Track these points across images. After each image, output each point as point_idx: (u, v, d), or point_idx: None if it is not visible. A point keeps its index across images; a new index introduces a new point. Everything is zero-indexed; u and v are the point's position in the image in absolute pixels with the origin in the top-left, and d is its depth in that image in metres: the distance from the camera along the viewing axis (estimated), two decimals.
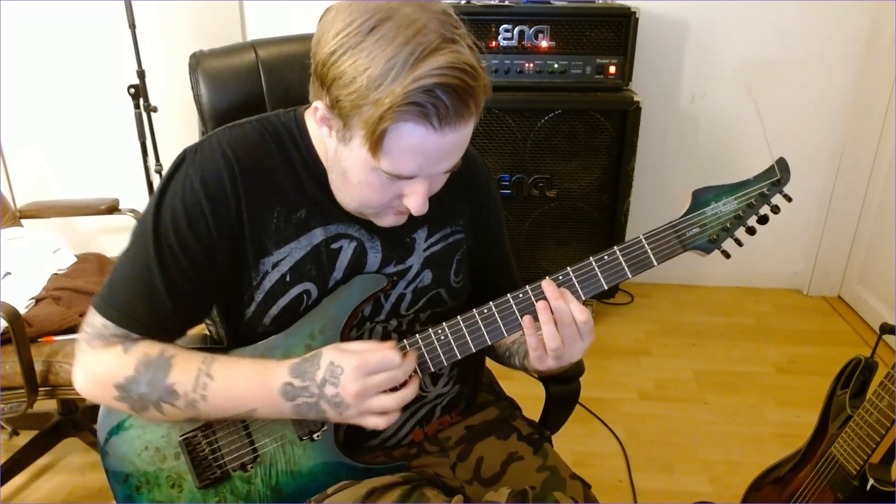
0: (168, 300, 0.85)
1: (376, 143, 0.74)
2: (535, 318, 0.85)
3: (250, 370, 0.86)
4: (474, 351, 0.88)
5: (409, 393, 0.84)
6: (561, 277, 0.86)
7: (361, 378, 0.81)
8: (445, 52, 0.71)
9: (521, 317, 0.86)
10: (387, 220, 0.89)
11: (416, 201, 0.82)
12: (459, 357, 0.89)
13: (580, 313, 0.83)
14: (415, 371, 0.87)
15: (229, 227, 0.86)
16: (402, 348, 0.88)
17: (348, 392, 0.81)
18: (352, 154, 0.79)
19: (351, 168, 0.81)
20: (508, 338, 0.90)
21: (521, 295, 0.86)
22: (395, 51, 0.70)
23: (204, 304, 0.92)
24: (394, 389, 0.84)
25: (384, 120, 0.72)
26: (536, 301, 0.85)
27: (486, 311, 0.87)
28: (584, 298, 0.86)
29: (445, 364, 0.89)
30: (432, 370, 0.90)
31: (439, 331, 0.88)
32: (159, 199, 0.85)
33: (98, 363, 0.87)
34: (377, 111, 0.72)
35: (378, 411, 0.83)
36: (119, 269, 0.87)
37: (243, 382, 0.85)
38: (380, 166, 0.77)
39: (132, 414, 0.88)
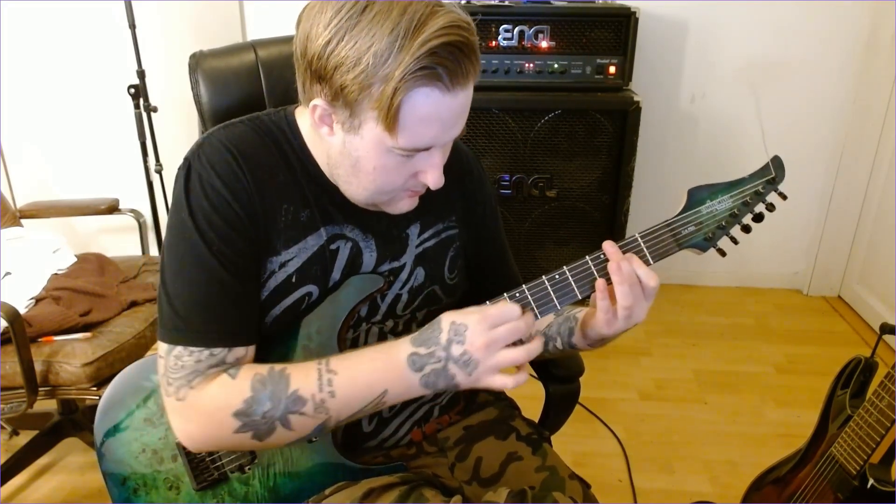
0: (248, 296, 0.84)
1: (393, 118, 0.75)
2: (606, 283, 0.84)
3: (372, 353, 0.83)
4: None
5: (536, 346, 0.81)
6: (557, 276, 0.86)
7: (486, 331, 0.79)
8: (440, 13, 0.72)
9: (579, 288, 0.85)
10: (401, 205, 0.89)
11: (434, 175, 0.83)
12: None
13: (649, 278, 0.83)
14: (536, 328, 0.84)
15: (254, 215, 0.85)
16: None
17: (475, 346, 0.78)
18: (363, 141, 0.79)
19: (364, 156, 0.81)
20: (542, 323, 0.89)
21: (556, 276, 0.85)
22: (394, 23, 0.71)
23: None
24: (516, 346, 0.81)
25: (398, 92, 0.72)
26: (599, 272, 0.84)
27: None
28: (581, 297, 0.86)
29: None
30: None
31: (517, 295, 0.86)
32: (189, 211, 0.83)
33: (209, 399, 0.81)
34: (389, 85, 0.72)
35: (507, 365, 0.80)
36: (180, 295, 0.82)
37: (369, 367, 0.82)
38: (397, 144, 0.77)
39: (256, 446, 0.84)
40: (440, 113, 0.77)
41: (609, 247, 0.84)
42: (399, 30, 0.71)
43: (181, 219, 0.83)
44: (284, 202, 0.88)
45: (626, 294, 0.82)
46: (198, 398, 0.81)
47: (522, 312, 0.81)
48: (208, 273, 0.82)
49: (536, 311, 0.85)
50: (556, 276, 0.86)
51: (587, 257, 0.85)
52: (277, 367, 0.83)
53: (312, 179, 0.90)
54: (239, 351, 0.84)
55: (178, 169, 0.86)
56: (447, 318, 0.81)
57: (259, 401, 0.80)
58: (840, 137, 2.72)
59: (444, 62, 0.72)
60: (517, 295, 0.86)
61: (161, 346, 0.83)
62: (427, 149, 0.80)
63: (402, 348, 0.82)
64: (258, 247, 0.86)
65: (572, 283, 0.85)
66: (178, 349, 0.82)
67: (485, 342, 0.78)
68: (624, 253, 0.85)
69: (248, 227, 0.84)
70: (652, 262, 0.86)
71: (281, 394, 0.80)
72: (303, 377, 0.81)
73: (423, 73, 0.72)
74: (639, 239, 0.86)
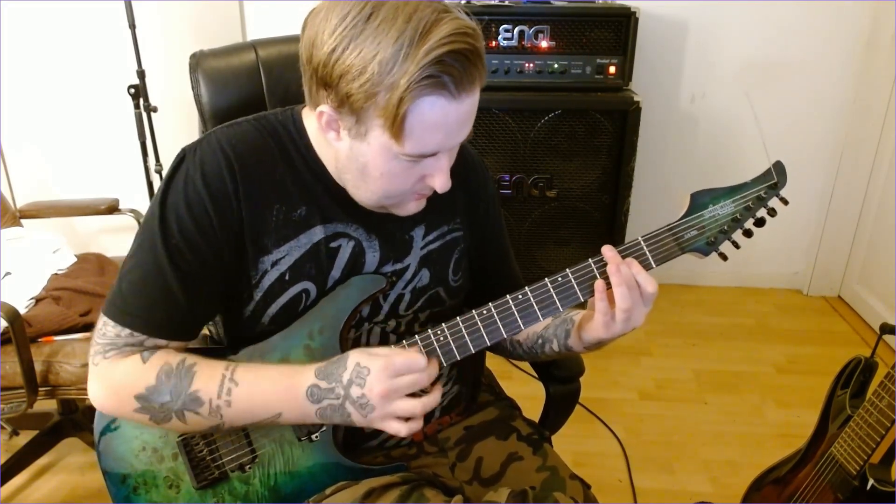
0: (183, 299, 0.85)
1: (399, 126, 0.75)
2: (605, 284, 0.84)
3: (276, 374, 0.85)
4: (505, 336, 0.87)
5: (433, 399, 0.84)
6: (560, 278, 0.86)
7: (387, 379, 0.80)
8: (446, 20, 0.72)
9: (581, 290, 0.86)
10: (409, 208, 0.90)
11: (441, 179, 0.83)
12: (489, 343, 0.88)
13: (649, 284, 0.83)
14: (438, 380, 0.86)
15: (232, 224, 0.86)
16: (426, 338, 0.87)
17: (374, 393, 0.80)
18: (370, 147, 0.79)
19: (371, 162, 0.81)
20: (540, 325, 0.90)
21: (559, 278, 0.86)
22: (400, 31, 0.71)
23: (216, 302, 0.91)
24: (416, 396, 0.83)
25: (404, 101, 0.72)
26: (600, 272, 0.85)
27: (521, 296, 0.86)
28: (583, 299, 0.86)
29: (472, 351, 0.88)
30: (458, 358, 0.88)
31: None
32: (162, 201, 0.85)
33: (116, 374, 0.85)
34: (395, 94, 0.72)
35: (402, 415, 0.82)
36: (128, 274, 0.85)
37: (269, 387, 0.84)
38: (403, 150, 0.77)
39: (152, 425, 0.87)
40: (446, 120, 0.76)
41: (608, 251, 0.85)
42: (404, 38, 0.70)
43: (154, 206, 0.86)
44: (277, 202, 0.88)
45: (624, 296, 0.83)
46: (108, 369, 0.85)
47: (428, 362, 0.83)
48: (155, 263, 0.84)
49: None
50: (559, 279, 0.86)
51: (590, 259, 0.86)
52: (189, 360, 0.85)
53: (316, 178, 0.90)
54: (160, 341, 0.87)
55: (174, 157, 0.87)
56: (354, 357, 0.83)
57: (160, 391, 0.84)
58: (840, 137, 2.72)
59: (449, 70, 0.72)
60: (520, 297, 0.86)
61: (101, 311, 0.87)
62: (434, 154, 0.80)
63: (304, 377, 0.84)
64: (230, 255, 0.86)
65: (574, 284, 0.86)
66: (106, 318, 0.86)
67: (384, 390, 0.80)
68: (625, 256, 0.85)
69: (218, 235, 0.85)
70: (654, 266, 0.86)
71: (182, 390, 0.84)
72: (206, 379, 0.84)
73: (428, 82, 0.72)
74: (641, 242, 0.86)
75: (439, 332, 0.88)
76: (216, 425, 0.86)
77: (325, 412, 0.83)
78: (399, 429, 0.83)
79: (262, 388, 0.84)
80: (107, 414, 0.92)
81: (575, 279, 0.86)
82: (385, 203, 0.88)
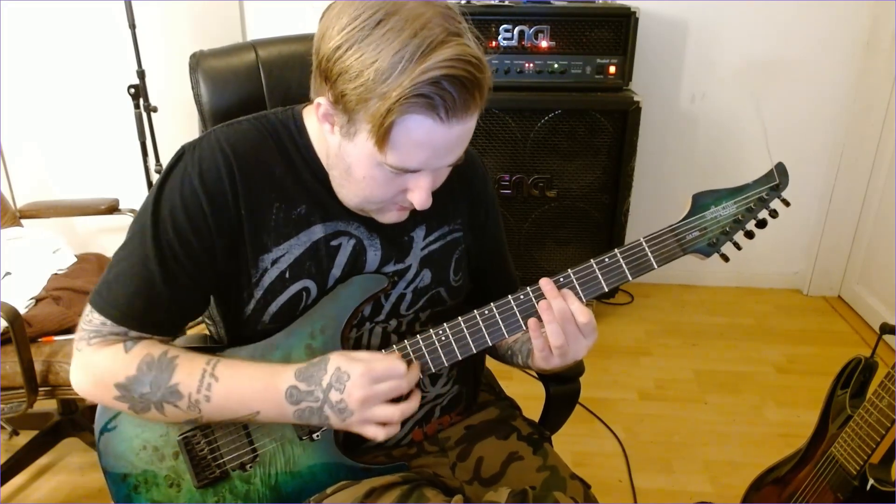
0: (167, 297, 0.85)
1: (383, 136, 0.75)
2: (539, 320, 0.85)
3: (256, 373, 0.86)
4: (475, 351, 0.88)
5: (411, 406, 0.85)
6: (562, 279, 0.86)
7: (367, 385, 0.81)
8: (452, 44, 0.72)
9: (523, 318, 0.87)
10: (389, 217, 0.89)
11: (420, 196, 0.83)
12: (460, 357, 0.89)
13: (581, 314, 0.84)
14: (417, 386, 0.87)
15: (228, 224, 0.86)
16: (403, 349, 0.89)
17: (353, 398, 0.81)
18: (356, 149, 0.79)
19: (355, 163, 0.81)
20: (510, 337, 0.91)
21: (521, 296, 0.87)
22: (403, 44, 0.71)
23: (201, 301, 0.92)
24: (397, 402, 0.84)
25: (392, 113, 0.72)
26: (538, 302, 0.85)
27: (486, 311, 0.88)
28: (584, 300, 0.87)
29: (446, 364, 0.89)
30: (433, 371, 0.90)
31: (440, 331, 0.89)
32: (157, 195, 0.85)
33: (97, 362, 0.86)
34: (385, 104, 0.72)
35: (380, 421, 0.83)
36: (116, 265, 0.86)
37: (248, 384, 0.85)
38: (386, 160, 0.77)
39: (131, 414, 0.88)
40: (432, 141, 0.76)
41: (545, 284, 0.85)
42: (405, 52, 0.70)
43: (149, 200, 0.86)
44: (277, 201, 0.88)
45: (556, 333, 0.84)
46: (91, 356, 0.86)
47: (408, 368, 0.84)
48: (143, 257, 0.84)
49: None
50: (486, 312, 0.87)
51: (528, 288, 0.87)
52: (171, 352, 0.85)
53: (316, 177, 0.90)
54: (142, 335, 0.87)
55: (173, 155, 0.87)
56: (335, 361, 0.83)
57: (140, 381, 0.84)
58: (840, 137, 2.72)
59: (442, 94, 0.72)
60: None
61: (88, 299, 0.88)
62: (416, 171, 0.80)
63: (284, 377, 0.84)
64: (226, 255, 0.87)
65: (499, 320, 0.87)
66: (91, 307, 0.86)
67: (363, 395, 0.81)
68: (629, 258, 0.85)
69: (213, 236, 0.85)
70: (656, 266, 0.86)
71: (162, 382, 0.84)
72: (186, 373, 0.84)
73: (418, 101, 0.72)
74: (643, 243, 0.86)
75: (440, 331, 0.88)
76: (194, 419, 0.87)
77: (303, 414, 0.84)
78: (376, 433, 0.84)
79: (242, 385, 0.85)
80: (88, 399, 0.92)
81: (500, 314, 0.87)
82: (365, 207, 0.88)
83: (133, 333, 0.87)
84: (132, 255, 0.85)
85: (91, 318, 0.86)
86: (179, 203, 0.84)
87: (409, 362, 0.86)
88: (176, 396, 0.84)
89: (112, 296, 0.85)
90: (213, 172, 0.85)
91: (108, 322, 0.85)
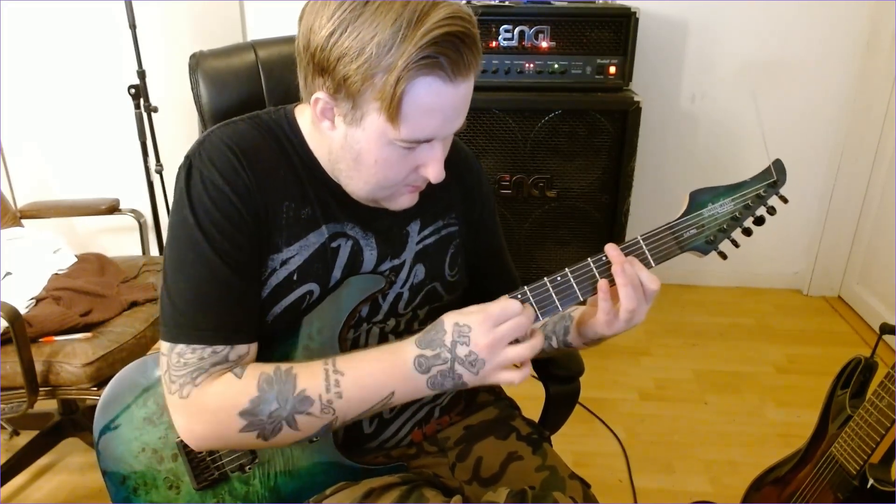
0: (251, 294, 0.85)
1: (395, 109, 0.75)
2: (610, 283, 0.84)
3: (378, 355, 0.83)
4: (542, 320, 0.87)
5: (538, 341, 0.82)
6: (559, 278, 0.86)
7: (490, 330, 0.79)
8: (442, 5, 0.73)
9: (581, 290, 0.85)
10: (401, 202, 0.89)
11: (434, 168, 0.83)
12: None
13: (652, 282, 0.83)
14: (537, 321, 0.85)
15: (255, 213, 0.85)
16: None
17: (480, 346, 0.79)
18: (364, 134, 0.79)
19: (365, 149, 0.81)
20: (538, 323, 0.90)
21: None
22: (398, 13, 0.72)
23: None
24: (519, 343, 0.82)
25: (401, 81, 0.73)
26: (600, 273, 0.85)
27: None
28: (581, 299, 0.86)
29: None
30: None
31: (518, 295, 0.86)
32: (191, 208, 0.82)
33: (213, 398, 0.81)
34: (392, 75, 0.73)
35: (512, 361, 0.81)
36: (182, 293, 0.82)
37: (376, 368, 0.82)
38: (399, 135, 0.78)
39: (260, 446, 0.84)
40: (442, 103, 0.77)
41: (611, 249, 0.85)
42: (402, 20, 0.71)
43: (183, 216, 0.83)
44: (286, 199, 0.88)
45: (630, 296, 0.83)
46: (202, 396, 0.81)
47: (522, 307, 0.82)
48: (210, 269, 0.82)
49: (536, 309, 0.85)
50: (558, 278, 0.86)
51: (589, 259, 0.86)
52: (284, 366, 0.83)
53: (314, 176, 0.90)
54: (241, 348, 0.84)
55: (179, 167, 0.86)
56: (450, 319, 0.81)
57: (266, 400, 0.80)
58: (840, 137, 2.72)
59: (446, 52, 0.73)
60: (518, 296, 0.86)
61: (163, 345, 0.83)
62: (429, 141, 0.81)
63: (407, 350, 0.82)
64: (260, 244, 0.86)
65: (574, 284, 0.86)
66: (181, 347, 0.82)
67: (489, 341, 0.79)
68: (627, 255, 0.85)
69: (251, 224, 0.84)
70: (654, 265, 0.86)
71: (288, 394, 0.81)
72: (310, 377, 0.81)
73: (425, 63, 0.72)
74: (640, 241, 0.86)
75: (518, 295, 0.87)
76: (329, 423, 0.83)
77: (436, 380, 0.81)
78: (512, 377, 0.81)
79: (369, 370, 0.82)
80: (207, 446, 0.88)
81: (574, 279, 0.86)
82: (378, 195, 0.88)
83: (234, 353, 0.83)
84: (196, 276, 0.82)
85: (183, 360, 0.82)
86: (212, 207, 0.82)
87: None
88: (307, 403, 0.81)
89: (198, 322, 0.82)
90: (230, 167, 0.84)
91: (207, 351, 0.82)
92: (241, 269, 0.84)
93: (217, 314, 0.82)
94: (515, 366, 0.82)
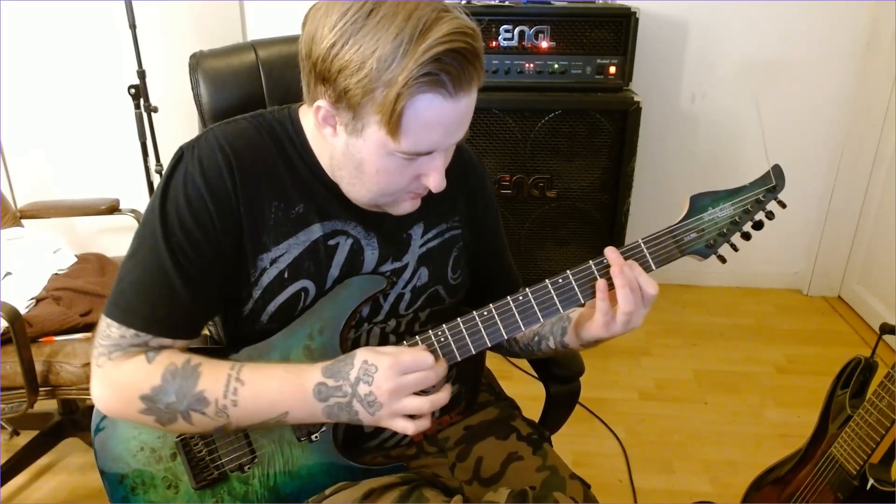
0: (187, 297, 0.85)
1: (395, 123, 0.75)
2: (608, 286, 0.85)
3: (282, 373, 0.85)
4: (505, 337, 0.88)
5: (442, 397, 0.84)
6: (560, 280, 0.86)
7: (395, 377, 0.80)
8: (446, 19, 0.72)
9: (582, 292, 0.86)
10: (403, 207, 0.89)
11: (435, 178, 0.83)
12: (489, 345, 0.88)
13: (650, 286, 0.84)
14: (447, 379, 0.86)
15: (232, 220, 0.86)
16: (427, 339, 0.88)
17: (382, 390, 0.80)
18: (365, 144, 0.79)
19: (366, 159, 0.81)
20: (535, 326, 0.90)
21: (560, 280, 0.86)
22: (399, 28, 0.71)
23: (218, 299, 0.91)
24: (425, 394, 0.83)
25: (401, 97, 0.73)
26: (600, 274, 0.85)
27: (521, 297, 0.86)
28: (582, 301, 0.87)
29: (473, 352, 0.88)
30: (458, 360, 0.88)
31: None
32: (163, 199, 0.85)
33: (121, 375, 0.84)
34: (392, 90, 0.72)
35: (410, 413, 0.82)
36: (129, 274, 0.85)
37: (276, 385, 0.84)
38: (400, 147, 0.77)
39: (157, 428, 0.86)
40: (443, 118, 0.77)
41: (611, 252, 0.85)
42: (404, 35, 0.71)
43: (154, 204, 0.85)
44: (276, 199, 0.88)
45: (627, 298, 0.83)
46: (113, 370, 0.85)
47: (436, 360, 0.83)
48: (157, 262, 0.84)
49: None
50: (560, 280, 0.86)
51: (590, 261, 0.86)
52: (194, 360, 0.85)
53: (314, 176, 0.90)
54: (164, 340, 0.86)
55: (172, 156, 0.87)
56: (361, 355, 0.83)
57: (165, 391, 0.83)
58: (840, 137, 2.72)
59: (447, 68, 0.72)
60: (520, 298, 0.87)
61: (102, 313, 0.86)
62: (429, 153, 0.80)
63: (311, 375, 0.83)
64: (231, 251, 0.86)
65: (575, 286, 0.86)
66: (109, 320, 0.85)
67: (391, 387, 0.80)
68: (627, 258, 0.85)
69: (219, 232, 0.85)
70: (654, 268, 0.87)
71: (187, 390, 0.83)
72: (212, 379, 0.83)
73: (426, 80, 0.72)
74: (641, 244, 0.87)
75: (440, 332, 0.88)
76: (222, 426, 0.85)
77: (332, 410, 0.83)
78: (406, 427, 0.83)
79: (269, 387, 0.84)
80: (111, 416, 0.91)
81: (576, 281, 0.86)
82: (379, 202, 0.88)
83: (155, 342, 0.85)
84: (145, 261, 0.85)
85: (109, 333, 0.85)
86: (185, 204, 0.84)
87: (434, 354, 0.85)
88: (202, 403, 0.83)
89: (131, 304, 0.84)
90: (215, 170, 0.84)
91: (129, 332, 0.84)
92: (190, 273, 0.84)
93: (149, 303, 0.84)
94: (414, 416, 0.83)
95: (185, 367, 0.84)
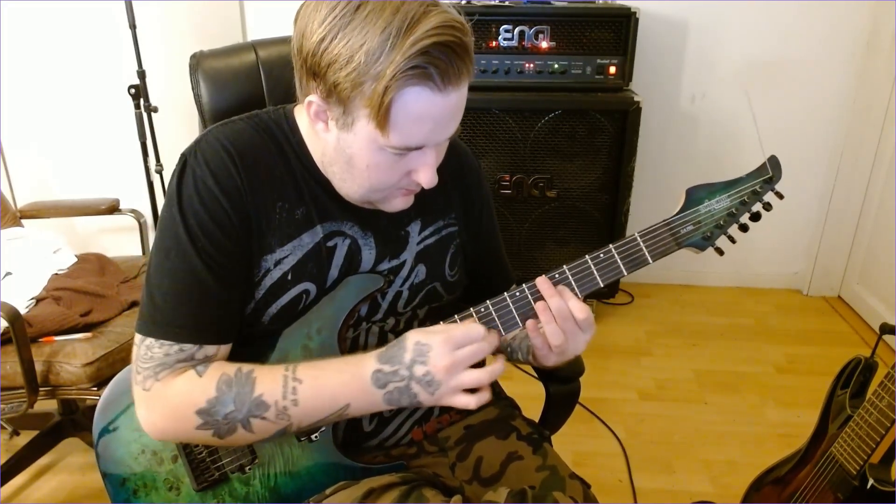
0: (226, 300, 0.84)
1: (384, 117, 0.75)
2: (535, 318, 0.86)
3: (338, 366, 0.84)
4: None
5: (498, 367, 0.83)
6: (557, 276, 0.87)
7: (449, 352, 0.80)
8: (434, 13, 0.72)
9: (520, 316, 0.87)
10: (395, 204, 0.89)
11: (426, 173, 0.83)
12: None
13: (579, 311, 0.84)
14: (499, 350, 0.87)
15: (245, 217, 0.85)
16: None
17: (438, 368, 0.80)
18: (356, 138, 0.79)
19: (357, 153, 0.81)
20: (508, 335, 0.91)
21: (517, 294, 0.87)
22: (387, 22, 0.71)
23: (246, 297, 0.89)
24: (480, 367, 0.83)
25: (389, 90, 0.73)
26: (535, 301, 0.85)
27: (482, 309, 0.88)
28: (581, 296, 0.87)
29: None
30: None
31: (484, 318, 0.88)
32: (179, 206, 0.83)
33: (173, 394, 0.82)
34: (380, 83, 0.72)
35: (469, 386, 0.82)
36: (159, 288, 0.83)
37: (335, 379, 0.83)
38: (389, 142, 0.77)
39: (215, 443, 0.85)
40: (432, 112, 0.77)
41: (542, 283, 0.86)
42: (391, 29, 0.71)
43: (171, 213, 0.84)
44: (280, 200, 0.88)
45: (555, 333, 0.85)
46: (163, 391, 0.83)
47: (487, 332, 0.83)
48: (189, 270, 0.83)
49: (502, 329, 0.87)
50: (482, 310, 0.88)
51: (524, 286, 0.87)
52: (245, 368, 0.83)
53: (311, 177, 0.90)
54: (210, 349, 0.85)
55: (175, 164, 0.86)
56: (412, 337, 0.82)
57: (223, 402, 0.82)
58: (840, 137, 2.72)
59: (435, 62, 0.72)
60: (482, 310, 0.87)
61: (136, 336, 0.85)
62: (419, 148, 0.80)
63: (367, 364, 0.83)
64: (249, 248, 0.86)
65: (513, 310, 0.87)
66: (150, 340, 0.83)
67: (447, 364, 0.80)
68: (622, 251, 0.85)
69: (238, 229, 0.84)
70: (651, 261, 0.87)
71: (245, 397, 0.82)
72: (268, 382, 0.82)
73: (413, 73, 0.72)
74: (638, 238, 0.87)
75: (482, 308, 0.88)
76: (283, 428, 0.84)
77: (392, 396, 0.82)
78: (468, 401, 0.82)
79: (327, 381, 0.83)
80: (164, 438, 0.89)
81: (513, 304, 0.87)
82: (371, 198, 0.88)
83: (200, 353, 0.84)
84: (176, 272, 0.83)
85: (150, 354, 0.83)
86: (201, 208, 0.83)
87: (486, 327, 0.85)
88: (262, 408, 0.82)
89: (171, 318, 0.83)
90: (223, 169, 0.84)
91: (174, 348, 0.83)
92: (221, 275, 0.84)
93: (190, 313, 0.83)
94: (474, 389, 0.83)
95: (237, 374, 0.83)
